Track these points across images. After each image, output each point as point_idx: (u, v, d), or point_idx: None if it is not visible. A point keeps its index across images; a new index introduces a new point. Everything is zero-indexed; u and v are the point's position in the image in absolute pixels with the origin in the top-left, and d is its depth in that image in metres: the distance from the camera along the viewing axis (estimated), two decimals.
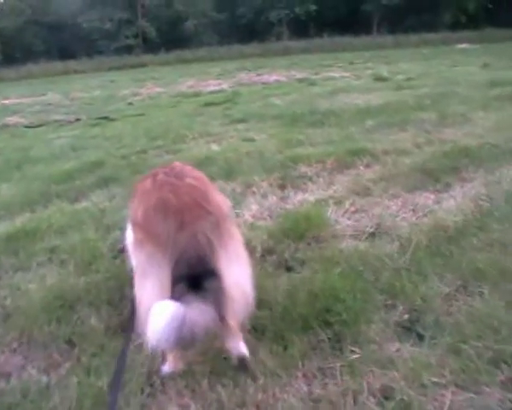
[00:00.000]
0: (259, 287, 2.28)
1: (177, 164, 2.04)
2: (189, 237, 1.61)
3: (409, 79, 11.49)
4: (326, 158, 4.73)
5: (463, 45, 25.93)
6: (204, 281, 1.58)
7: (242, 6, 42.42)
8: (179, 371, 1.96)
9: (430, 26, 33.82)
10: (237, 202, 3.84)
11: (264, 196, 3.98)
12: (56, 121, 10.51)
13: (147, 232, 1.70)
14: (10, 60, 37.12)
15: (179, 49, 34.86)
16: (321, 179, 4.31)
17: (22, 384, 2.01)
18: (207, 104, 10.41)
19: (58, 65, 34.21)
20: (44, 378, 2.03)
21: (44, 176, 5.28)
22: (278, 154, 5.15)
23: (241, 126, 7.12)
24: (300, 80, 14.25)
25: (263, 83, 14.81)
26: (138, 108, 11.29)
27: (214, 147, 5.89)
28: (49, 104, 14.21)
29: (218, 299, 1.60)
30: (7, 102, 16.01)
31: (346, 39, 33.86)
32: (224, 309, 1.66)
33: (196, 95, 12.98)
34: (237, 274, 1.76)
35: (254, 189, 4.13)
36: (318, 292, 2.39)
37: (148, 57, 34.63)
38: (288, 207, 3.76)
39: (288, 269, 2.81)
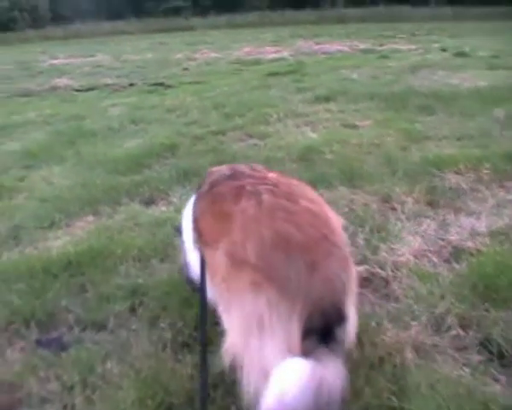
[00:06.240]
0: None
1: (270, 174, 1.64)
2: (324, 282, 1.30)
3: (493, 57, 10.01)
4: (477, 164, 3.49)
5: None
6: (337, 330, 1.29)
7: None
8: None
9: None
10: (376, 223, 2.75)
11: (415, 218, 2.83)
12: (108, 85, 9.73)
13: (266, 275, 1.32)
14: (58, 18, 36.67)
15: (229, 13, 33.39)
16: (480, 196, 3.11)
17: None
18: (272, 74, 9.47)
19: (106, 25, 33.53)
20: None
21: (106, 160, 4.30)
22: (404, 151, 3.98)
23: (331, 106, 5.89)
24: (365, 51, 13.31)
25: (324, 53, 13.81)
26: (196, 75, 10.40)
27: (310, 133, 4.74)
28: (99, 66, 13.41)
29: (343, 349, 1.33)
30: (55, 61, 15.18)
31: (404, 9, 31.94)
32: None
33: (257, 62, 12.10)
34: (354, 313, 1.45)
35: (395, 205, 2.98)
36: None
37: (197, 20, 33.34)
38: (452, 239, 2.58)
39: (506, 366, 1.75)
